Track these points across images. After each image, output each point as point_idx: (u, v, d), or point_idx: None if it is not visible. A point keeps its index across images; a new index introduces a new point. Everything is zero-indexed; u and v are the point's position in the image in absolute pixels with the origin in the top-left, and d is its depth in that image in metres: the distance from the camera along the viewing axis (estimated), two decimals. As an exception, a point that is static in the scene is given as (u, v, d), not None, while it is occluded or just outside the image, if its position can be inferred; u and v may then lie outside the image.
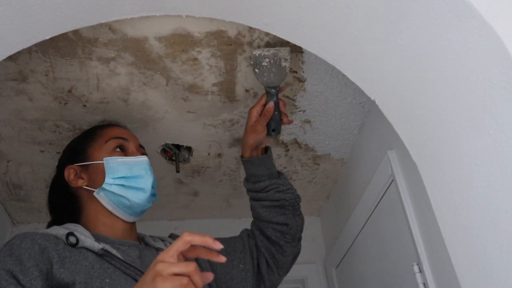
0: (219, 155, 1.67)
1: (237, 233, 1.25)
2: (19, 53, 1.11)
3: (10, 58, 1.18)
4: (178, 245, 0.73)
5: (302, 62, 1.30)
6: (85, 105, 1.37)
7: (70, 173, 1.14)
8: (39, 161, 1.60)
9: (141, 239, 1.16)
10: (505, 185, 0.68)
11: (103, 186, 1.08)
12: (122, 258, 0.98)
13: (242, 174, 1.78)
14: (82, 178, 1.12)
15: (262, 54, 1.21)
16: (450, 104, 0.79)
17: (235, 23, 1.10)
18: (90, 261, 0.93)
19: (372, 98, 1.02)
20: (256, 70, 1.21)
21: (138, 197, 1.08)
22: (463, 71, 0.74)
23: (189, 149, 1.62)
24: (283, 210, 1.23)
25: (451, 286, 1.00)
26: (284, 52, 1.21)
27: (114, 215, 1.09)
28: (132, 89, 1.34)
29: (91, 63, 1.24)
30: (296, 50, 1.26)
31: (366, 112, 1.51)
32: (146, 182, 1.10)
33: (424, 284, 1.13)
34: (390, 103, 0.98)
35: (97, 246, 0.96)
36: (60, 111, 1.39)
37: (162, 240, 1.19)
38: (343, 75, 1.06)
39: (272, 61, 1.20)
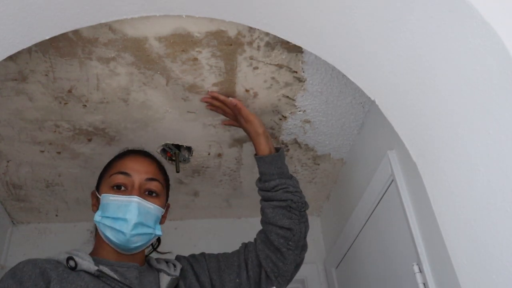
0: (219, 155, 1.67)
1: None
2: (19, 53, 1.11)
3: (10, 58, 1.18)
4: None
5: (302, 62, 1.30)
6: (85, 105, 1.37)
7: (92, 197, 1.24)
8: (39, 161, 1.60)
9: (146, 261, 1.21)
10: (505, 185, 0.68)
11: (94, 218, 1.15)
12: (117, 278, 1.05)
13: (242, 174, 1.79)
14: (97, 206, 1.19)
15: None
16: (450, 104, 0.79)
17: (235, 23, 1.10)
18: (86, 281, 1.01)
19: (372, 98, 1.02)
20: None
21: (118, 238, 1.11)
22: (463, 71, 0.74)
23: (189, 149, 1.62)
24: (289, 214, 1.23)
25: (451, 286, 1.00)
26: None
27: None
28: (132, 89, 1.34)
29: (91, 63, 1.24)
30: (296, 50, 1.26)
31: (366, 112, 1.51)
32: (127, 225, 1.10)
33: (424, 284, 1.13)
34: (390, 103, 0.98)
35: (93, 268, 1.04)
36: (60, 111, 1.39)
37: (167, 262, 1.22)
38: (343, 75, 1.06)
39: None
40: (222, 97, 1.35)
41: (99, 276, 1.04)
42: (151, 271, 1.16)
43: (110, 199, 1.14)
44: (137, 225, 1.11)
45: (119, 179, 1.16)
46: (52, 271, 1.01)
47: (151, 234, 1.15)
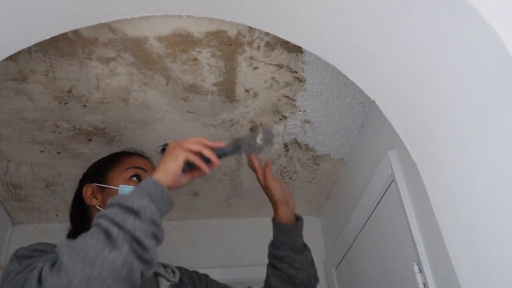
0: (219, 155, 1.67)
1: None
2: (19, 53, 1.11)
3: (10, 58, 1.18)
4: (193, 139, 0.99)
5: (302, 62, 1.30)
6: (85, 105, 1.37)
7: (87, 190, 1.19)
8: (39, 161, 1.60)
9: None
10: (505, 185, 0.68)
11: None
12: None
13: (242, 174, 1.79)
14: (97, 198, 1.17)
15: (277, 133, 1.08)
16: (450, 104, 0.79)
17: (235, 23, 1.10)
18: None
19: (372, 98, 1.02)
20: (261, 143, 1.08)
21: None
22: (463, 71, 0.74)
23: (189, 149, 1.62)
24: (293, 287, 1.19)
25: (451, 286, 1.00)
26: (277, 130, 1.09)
27: None
28: (132, 89, 1.34)
29: (91, 63, 1.24)
30: (296, 50, 1.26)
31: (366, 112, 1.51)
32: None
33: (424, 284, 1.13)
34: (390, 103, 0.98)
35: None
36: (60, 111, 1.39)
37: (164, 266, 1.20)
38: (343, 75, 1.06)
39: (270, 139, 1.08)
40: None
41: None
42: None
43: (131, 190, 1.13)
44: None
45: (137, 171, 1.18)
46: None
47: None
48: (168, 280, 1.13)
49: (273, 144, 1.07)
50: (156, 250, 0.82)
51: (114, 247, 0.75)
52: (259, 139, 1.07)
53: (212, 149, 1.02)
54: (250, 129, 1.54)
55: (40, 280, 0.73)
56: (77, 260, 0.72)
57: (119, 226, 0.77)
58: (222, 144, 1.02)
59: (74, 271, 0.71)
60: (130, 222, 0.78)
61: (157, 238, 0.82)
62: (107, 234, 0.76)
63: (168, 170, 0.93)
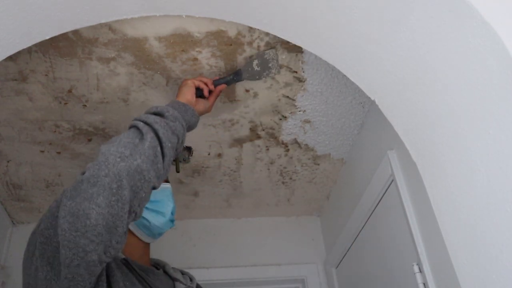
0: (219, 155, 1.67)
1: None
2: (19, 53, 1.11)
3: (10, 58, 1.18)
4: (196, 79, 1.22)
5: (302, 62, 1.30)
6: (85, 105, 1.37)
7: None
8: (39, 161, 1.60)
9: (162, 266, 1.21)
10: (505, 185, 0.68)
11: None
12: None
13: (242, 174, 1.79)
14: None
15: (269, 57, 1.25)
16: (450, 104, 0.79)
17: (235, 23, 1.10)
18: None
19: (372, 98, 1.02)
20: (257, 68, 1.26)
21: (158, 220, 1.15)
22: (463, 71, 0.74)
23: (189, 149, 1.62)
24: None
25: (451, 286, 1.00)
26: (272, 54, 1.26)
27: (133, 234, 1.14)
28: (132, 89, 1.34)
29: (91, 63, 1.24)
30: (296, 50, 1.26)
31: (366, 112, 1.51)
32: (167, 207, 1.18)
33: (424, 284, 1.13)
34: (390, 103, 0.98)
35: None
36: (60, 111, 1.39)
37: (182, 273, 1.23)
38: (343, 75, 1.06)
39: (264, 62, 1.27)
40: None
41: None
42: (165, 277, 1.16)
43: None
44: (173, 209, 1.19)
45: None
46: None
47: (173, 223, 1.21)
48: (184, 284, 1.15)
49: (271, 69, 1.26)
50: (174, 147, 0.98)
51: (141, 136, 0.92)
52: (254, 65, 1.25)
53: (217, 79, 1.26)
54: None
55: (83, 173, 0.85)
56: (112, 145, 0.88)
57: (144, 121, 0.95)
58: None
59: (109, 151, 0.86)
60: (152, 118, 0.96)
61: (177, 136, 1.00)
62: (136, 128, 0.95)
63: (185, 95, 1.15)
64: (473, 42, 0.70)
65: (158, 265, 1.20)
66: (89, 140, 1.52)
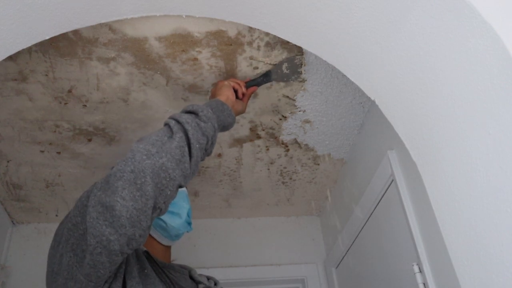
0: (219, 155, 1.67)
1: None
2: (19, 53, 1.11)
3: (10, 58, 1.18)
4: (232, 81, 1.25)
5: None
6: (85, 105, 1.37)
7: None
8: (39, 161, 1.60)
9: (188, 270, 1.21)
10: (505, 185, 0.68)
11: None
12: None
13: (242, 174, 1.79)
14: None
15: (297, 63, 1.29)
16: (450, 104, 0.79)
17: (235, 23, 1.10)
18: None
19: (372, 98, 1.02)
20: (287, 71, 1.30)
21: (174, 221, 1.17)
22: (463, 71, 0.74)
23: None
24: None
25: (451, 286, 1.00)
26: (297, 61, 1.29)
27: (151, 237, 1.17)
28: (132, 89, 1.34)
29: (91, 63, 1.24)
30: (296, 50, 1.26)
31: (366, 112, 1.51)
32: (182, 208, 1.21)
33: (424, 284, 1.13)
34: (390, 103, 0.98)
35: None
36: (60, 111, 1.39)
37: (208, 278, 1.24)
38: (343, 75, 1.06)
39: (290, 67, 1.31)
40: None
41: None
42: (190, 280, 1.16)
43: None
44: (189, 211, 1.22)
45: None
46: None
47: (190, 226, 1.23)
48: (208, 287, 1.15)
49: (299, 73, 1.30)
50: (203, 148, 0.99)
51: (171, 135, 0.94)
52: (284, 67, 1.29)
53: (248, 81, 1.30)
54: (250, 130, 1.54)
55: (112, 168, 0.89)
56: (142, 142, 0.90)
57: (177, 120, 0.97)
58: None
59: (137, 148, 0.89)
60: (185, 117, 0.97)
61: (207, 137, 0.99)
62: (167, 126, 0.96)
63: (226, 93, 1.18)
64: (473, 42, 0.70)
65: (184, 269, 1.21)
66: (89, 140, 1.52)
